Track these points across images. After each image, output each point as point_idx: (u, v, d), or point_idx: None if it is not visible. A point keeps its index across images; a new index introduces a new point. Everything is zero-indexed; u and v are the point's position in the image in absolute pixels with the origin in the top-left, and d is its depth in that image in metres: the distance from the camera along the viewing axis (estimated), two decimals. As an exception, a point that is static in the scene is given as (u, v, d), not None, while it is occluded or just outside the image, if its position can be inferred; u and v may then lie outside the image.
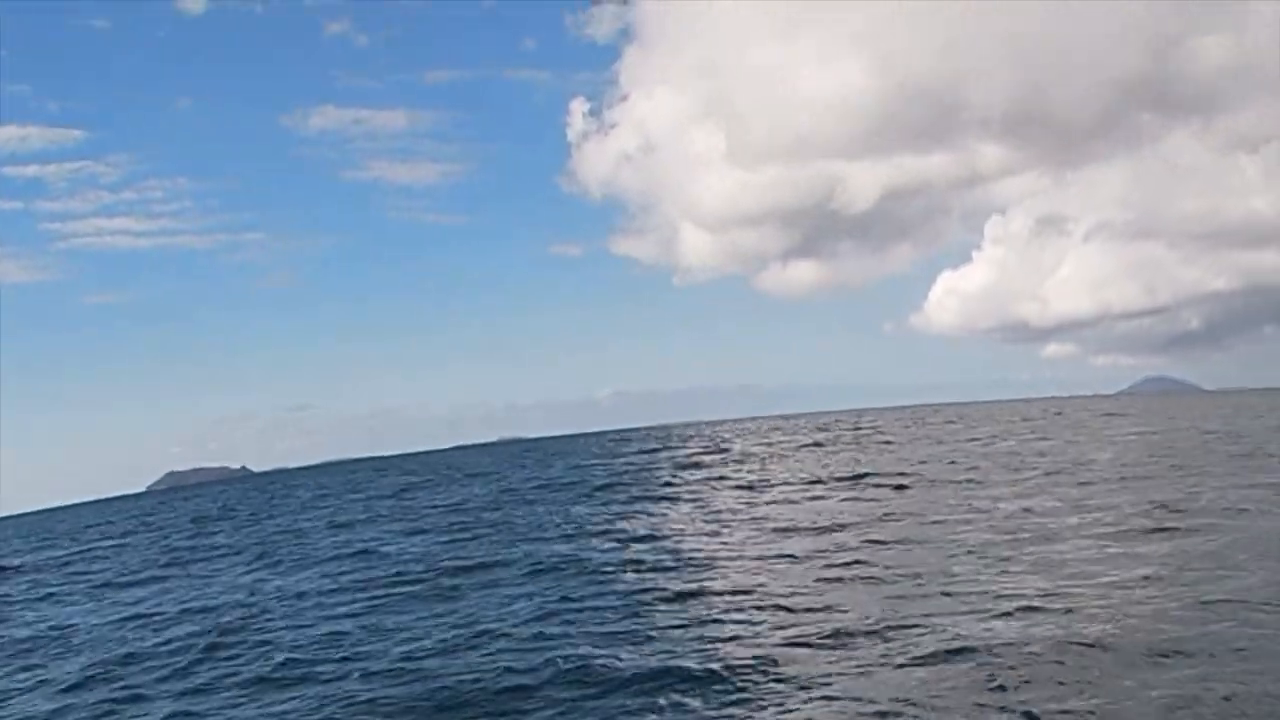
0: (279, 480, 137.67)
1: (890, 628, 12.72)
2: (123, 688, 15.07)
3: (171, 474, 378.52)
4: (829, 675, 11.15)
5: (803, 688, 10.86)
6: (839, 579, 16.32)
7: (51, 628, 21.38)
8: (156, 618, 20.61)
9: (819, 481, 33.23)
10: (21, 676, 16.93)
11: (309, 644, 15.92)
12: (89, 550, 44.01)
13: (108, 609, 23.28)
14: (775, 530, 22.65)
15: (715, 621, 14.21)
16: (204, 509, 65.38)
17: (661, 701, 10.90)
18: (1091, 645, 11.17)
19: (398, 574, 21.62)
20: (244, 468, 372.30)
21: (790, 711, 10.22)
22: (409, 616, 17.04)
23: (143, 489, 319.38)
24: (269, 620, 18.48)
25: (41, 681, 16.32)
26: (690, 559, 19.45)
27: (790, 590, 15.84)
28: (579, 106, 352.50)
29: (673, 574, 18.15)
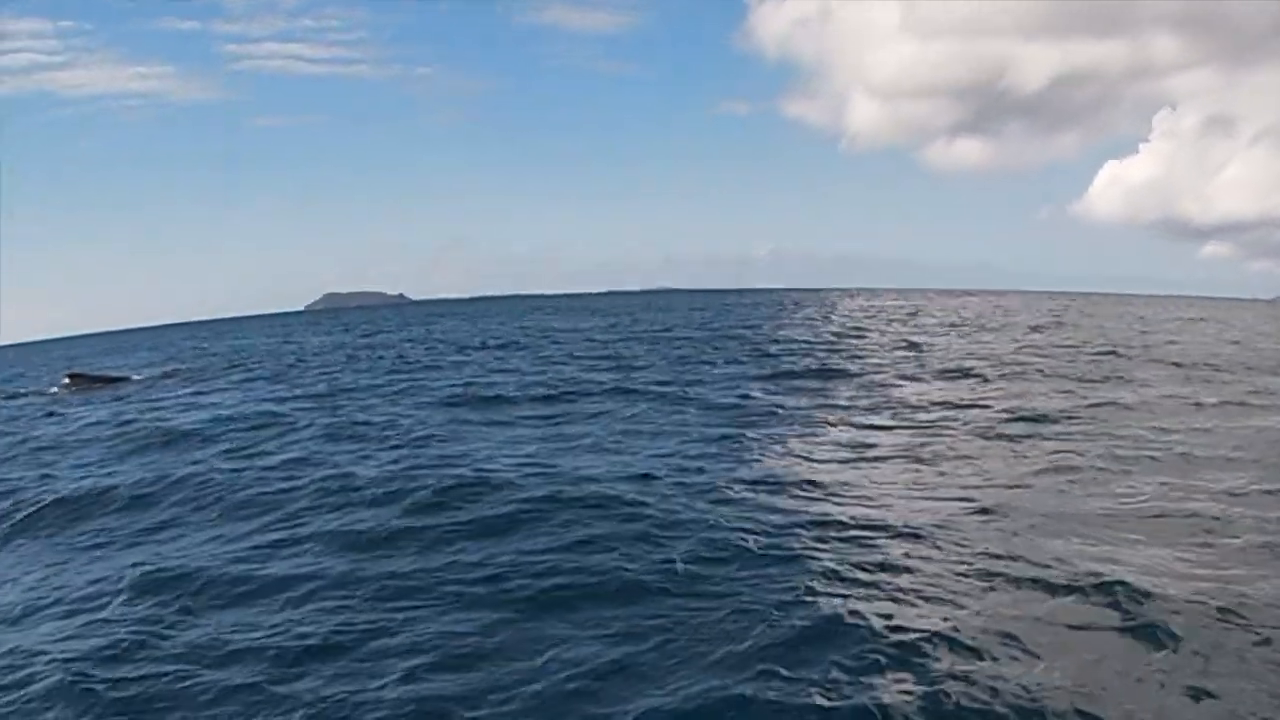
0: (443, 309, 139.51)
1: None
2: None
3: (330, 295, 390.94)
4: None
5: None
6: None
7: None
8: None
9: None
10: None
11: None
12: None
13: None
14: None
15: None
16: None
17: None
18: None
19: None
20: (401, 295, 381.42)
21: None
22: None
23: (301, 308, 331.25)
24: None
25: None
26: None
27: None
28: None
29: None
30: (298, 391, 25.36)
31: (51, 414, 25.59)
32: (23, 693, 7.14)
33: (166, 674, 7.21)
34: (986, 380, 22.99)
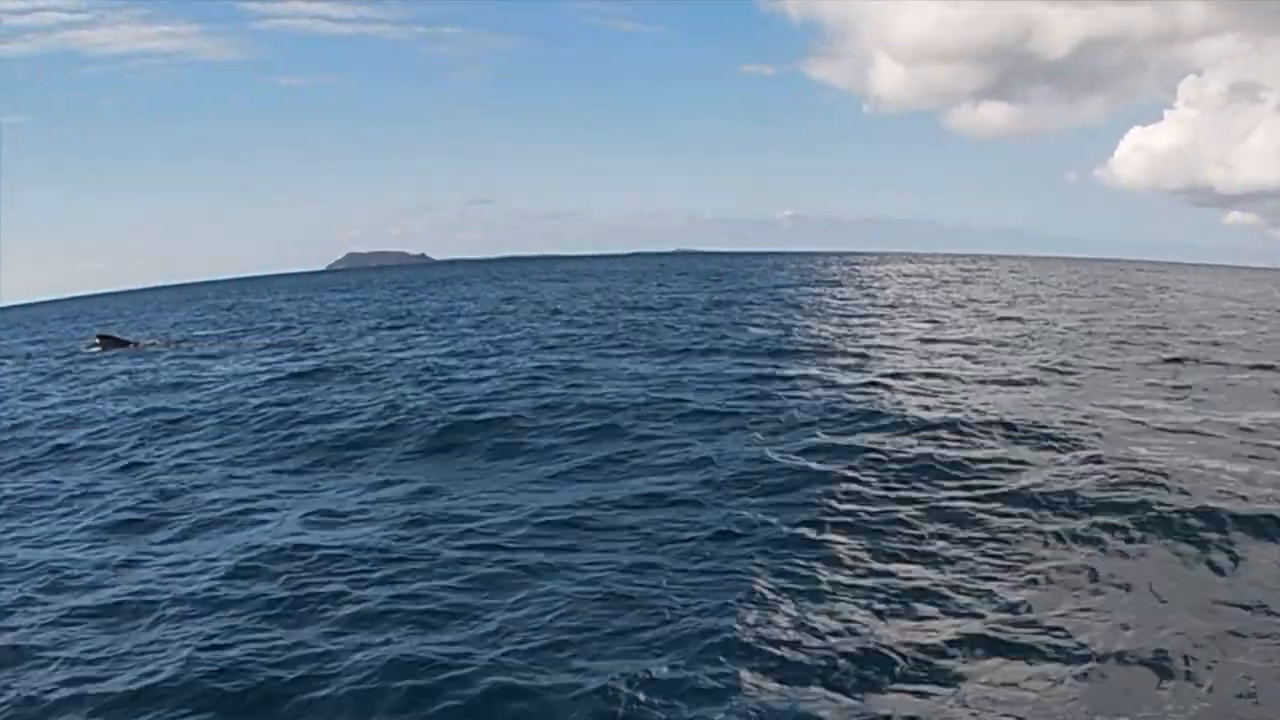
0: (462, 269, 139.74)
1: None
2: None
3: (352, 255, 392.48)
4: None
5: None
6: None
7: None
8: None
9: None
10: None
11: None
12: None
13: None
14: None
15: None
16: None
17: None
18: None
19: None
20: (423, 255, 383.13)
21: None
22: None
23: (323, 267, 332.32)
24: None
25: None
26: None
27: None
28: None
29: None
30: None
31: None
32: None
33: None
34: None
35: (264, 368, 23.83)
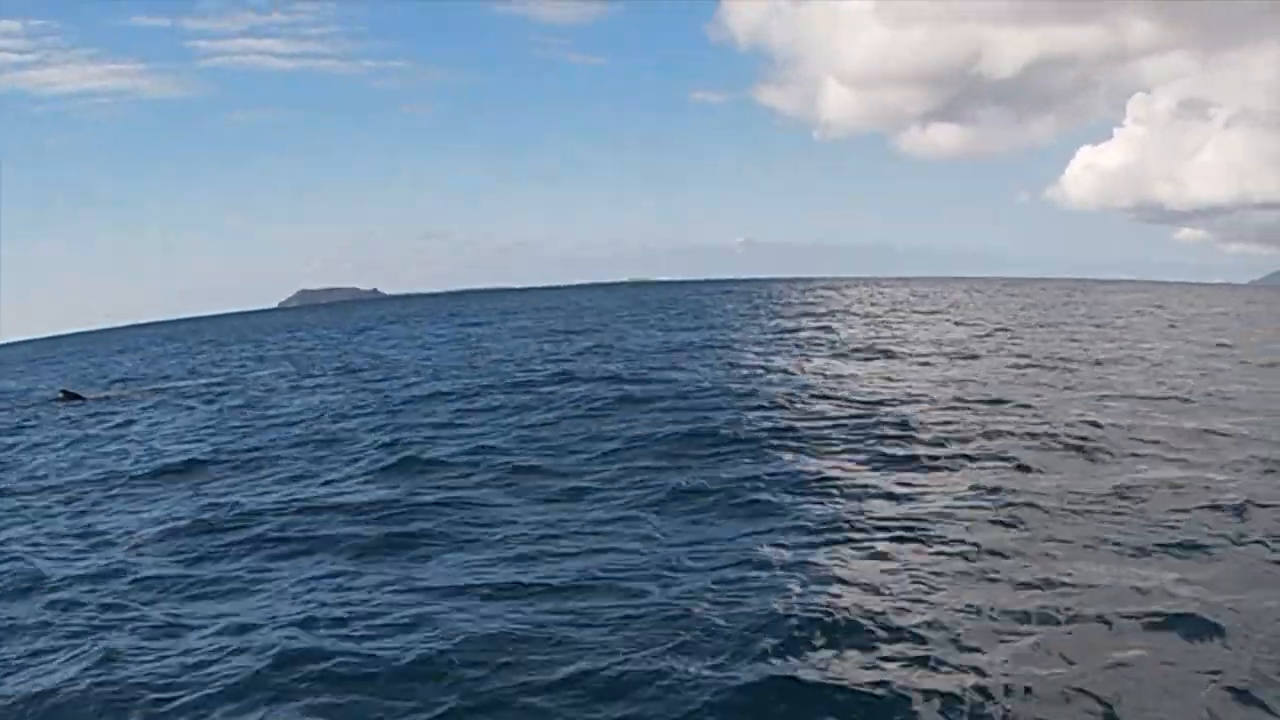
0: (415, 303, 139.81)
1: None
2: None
3: (303, 292, 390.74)
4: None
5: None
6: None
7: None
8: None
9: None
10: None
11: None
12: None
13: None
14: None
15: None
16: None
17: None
18: None
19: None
20: (375, 290, 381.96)
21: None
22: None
23: (275, 305, 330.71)
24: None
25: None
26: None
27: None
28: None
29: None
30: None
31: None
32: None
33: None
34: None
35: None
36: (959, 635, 8.11)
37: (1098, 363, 27.01)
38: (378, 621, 9.16)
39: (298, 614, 9.51)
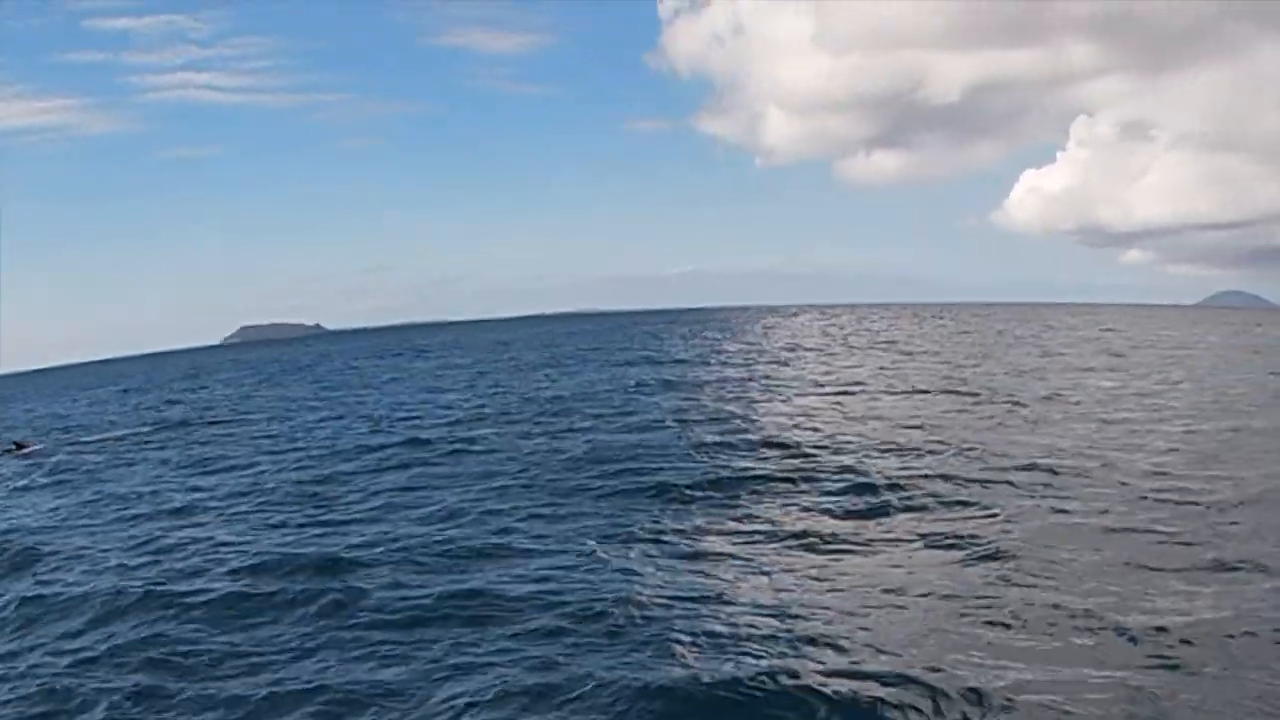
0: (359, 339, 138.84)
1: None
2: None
3: (245, 328, 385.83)
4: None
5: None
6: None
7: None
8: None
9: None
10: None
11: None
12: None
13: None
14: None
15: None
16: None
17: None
18: None
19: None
20: (318, 325, 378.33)
21: None
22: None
23: (218, 341, 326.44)
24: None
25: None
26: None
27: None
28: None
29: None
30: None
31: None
32: None
33: None
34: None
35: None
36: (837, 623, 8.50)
37: (1046, 398, 27.54)
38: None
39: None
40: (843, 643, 9.26)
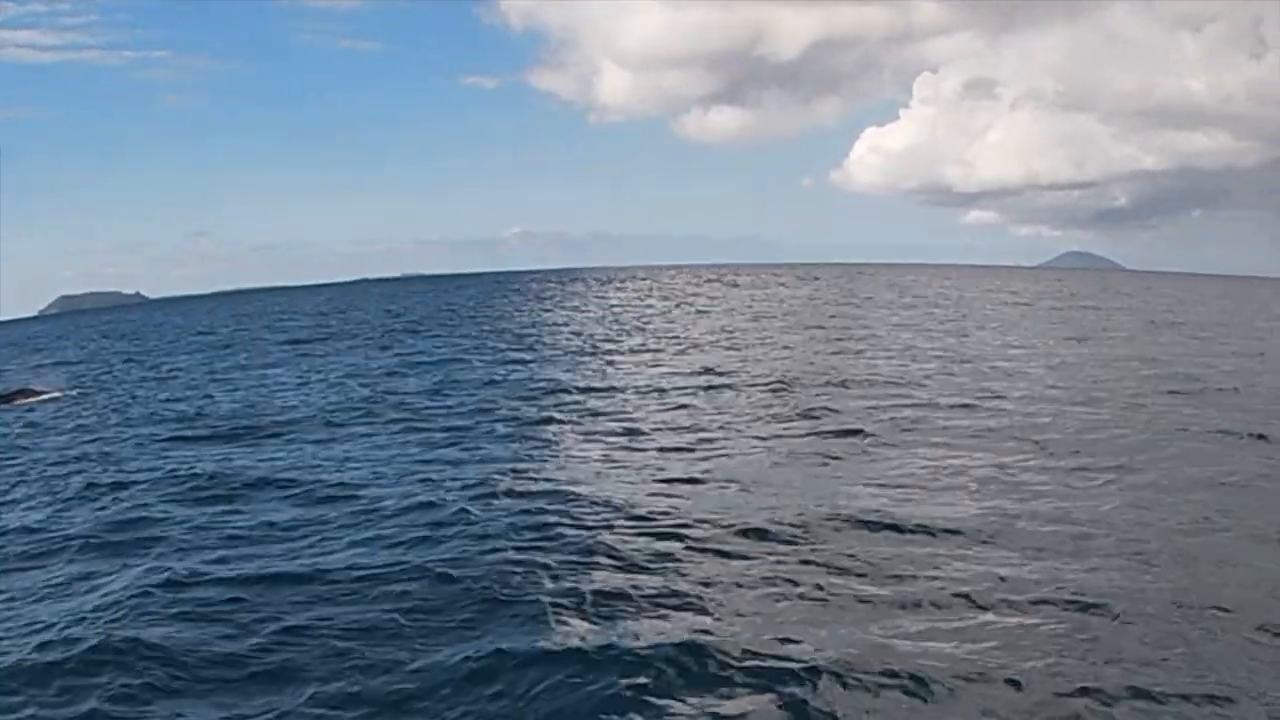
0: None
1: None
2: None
3: (64, 298, 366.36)
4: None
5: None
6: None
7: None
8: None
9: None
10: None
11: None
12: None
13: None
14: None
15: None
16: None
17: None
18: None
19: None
20: (139, 294, 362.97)
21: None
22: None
23: (34, 313, 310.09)
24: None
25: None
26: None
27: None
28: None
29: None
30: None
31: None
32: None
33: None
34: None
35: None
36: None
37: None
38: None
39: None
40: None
